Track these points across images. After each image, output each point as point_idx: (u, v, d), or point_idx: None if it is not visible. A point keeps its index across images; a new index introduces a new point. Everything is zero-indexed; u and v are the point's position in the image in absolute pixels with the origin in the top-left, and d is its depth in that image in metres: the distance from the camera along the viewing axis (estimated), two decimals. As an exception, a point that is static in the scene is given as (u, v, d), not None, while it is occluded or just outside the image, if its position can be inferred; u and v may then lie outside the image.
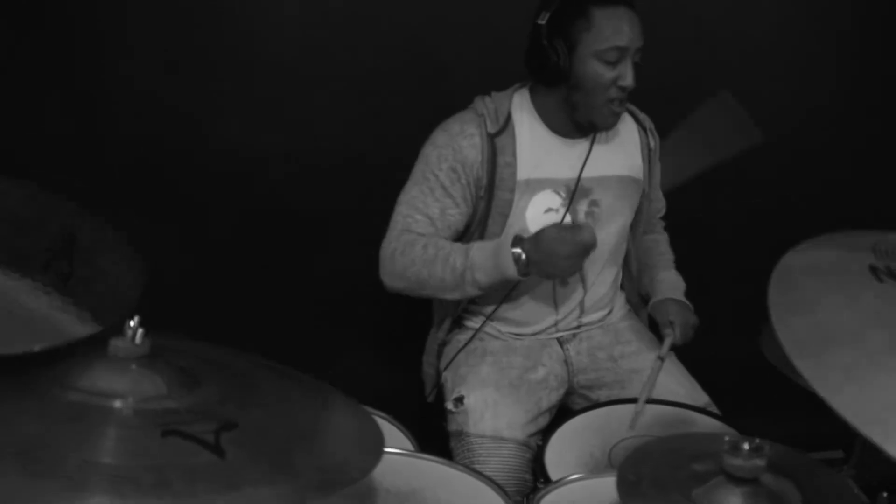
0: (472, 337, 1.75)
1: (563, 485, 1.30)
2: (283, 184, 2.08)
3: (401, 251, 1.58)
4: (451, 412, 1.65)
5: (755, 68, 2.18)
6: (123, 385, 0.89)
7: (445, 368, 1.76)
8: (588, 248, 1.46)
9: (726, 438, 0.92)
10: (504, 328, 1.75)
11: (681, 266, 1.86)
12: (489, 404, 1.61)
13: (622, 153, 1.71)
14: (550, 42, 1.55)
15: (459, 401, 1.64)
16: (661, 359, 1.64)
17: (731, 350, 1.86)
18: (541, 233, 1.49)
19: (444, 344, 1.81)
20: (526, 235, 1.52)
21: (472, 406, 1.61)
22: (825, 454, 1.97)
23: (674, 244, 1.91)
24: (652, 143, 1.75)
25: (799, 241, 1.01)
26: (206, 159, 2.02)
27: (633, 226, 1.79)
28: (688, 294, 1.79)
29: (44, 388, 0.87)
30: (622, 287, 1.86)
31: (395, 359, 2.09)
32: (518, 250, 1.48)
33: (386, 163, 1.81)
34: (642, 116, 1.77)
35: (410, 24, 2.02)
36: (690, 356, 1.76)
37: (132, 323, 0.92)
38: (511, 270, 1.49)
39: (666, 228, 1.94)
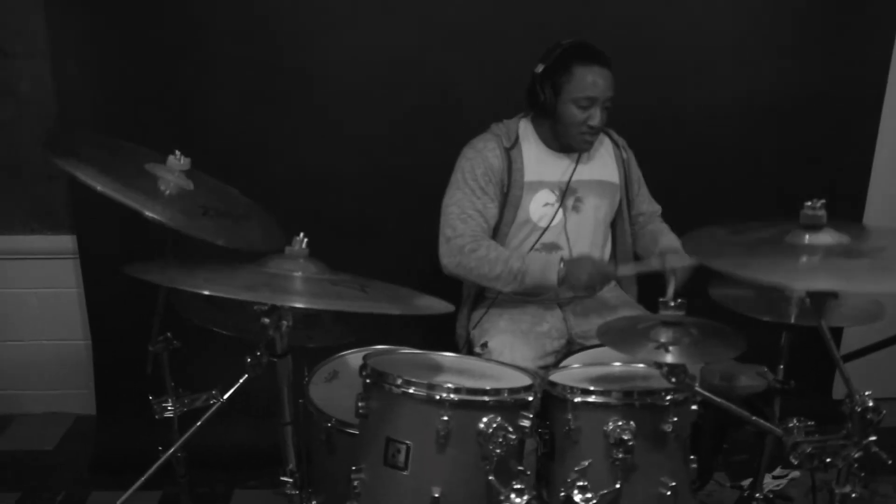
0: (492, 303, 2.33)
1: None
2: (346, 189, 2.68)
3: (470, 248, 2.14)
4: (478, 354, 2.21)
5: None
6: (297, 266, 1.50)
7: (474, 328, 2.34)
8: (606, 276, 2.11)
9: (660, 300, 1.52)
10: (516, 295, 2.33)
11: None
12: (507, 345, 2.16)
13: (600, 164, 2.32)
14: (542, 87, 2.17)
15: (485, 345, 2.20)
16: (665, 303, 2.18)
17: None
18: (579, 257, 2.14)
19: (471, 311, 2.38)
20: (531, 230, 2.17)
21: (495, 347, 2.17)
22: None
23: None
24: (624, 156, 2.36)
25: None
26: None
27: (618, 220, 2.36)
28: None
29: (253, 268, 1.48)
30: None
31: (433, 326, 2.64)
32: (561, 266, 2.09)
33: (417, 173, 2.45)
34: (616, 137, 2.38)
35: (437, 65, 2.63)
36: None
37: (299, 237, 1.54)
38: (553, 280, 2.09)
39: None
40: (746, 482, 2.65)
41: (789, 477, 2.70)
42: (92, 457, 2.77)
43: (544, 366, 2.17)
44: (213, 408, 1.96)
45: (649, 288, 2.43)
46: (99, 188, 1.46)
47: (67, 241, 2.81)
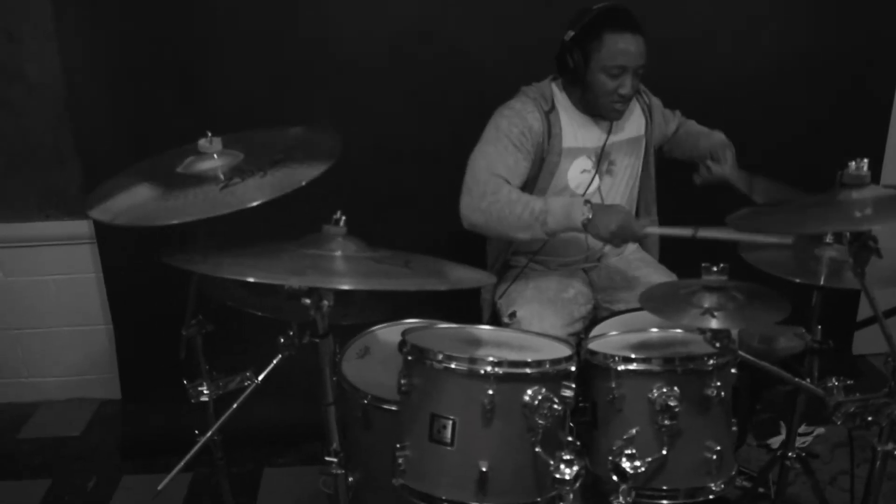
0: (520, 273, 2.32)
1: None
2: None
3: (491, 191, 2.06)
4: (507, 324, 2.21)
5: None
6: (338, 245, 1.48)
7: (500, 297, 2.33)
8: (632, 231, 1.99)
9: (703, 265, 1.52)
10: (542, 257, 2.32)
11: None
12: (535, 313, 2.15)
13: (629, 120, 2.28)
14: (571, 55, 2.11)
15: (513, 315, 2.18)
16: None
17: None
18: (612, 206, 2.08)
19: (497, 282, 2.37)
20: (571, 193, 2.14)
21: (523, 316, 2.15)
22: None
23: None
24: (646, 100, 2.33)
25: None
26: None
27: (642, 170, 2.34)
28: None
29: (294, 248, 1.46)
30: None
31: (458, 293, 2.64)
32: (587, 206, 2.00)
33: (436, 146, 2.45)
34: (640, 87, 2.31)
35: (455, 35, 2.60)
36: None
37: (337, 216, 1.52)
38: (577, 221, 1.99)
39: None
40: (772, 440, 2.68)
41: (814, 434, 2.72)
42: (121, 441, 2.78)
43: (573, 332, 2.16)
44: (249, 389, 1.97)
45: (671, 250, 2.46)
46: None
47: (84, 226, 2.79)
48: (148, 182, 1.64)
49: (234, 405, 1.95)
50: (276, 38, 2.55)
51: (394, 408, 1.80)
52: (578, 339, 2.05)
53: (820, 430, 2.72)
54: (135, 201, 1.60)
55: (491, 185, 2.06)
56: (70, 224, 2.80)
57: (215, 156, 1.64)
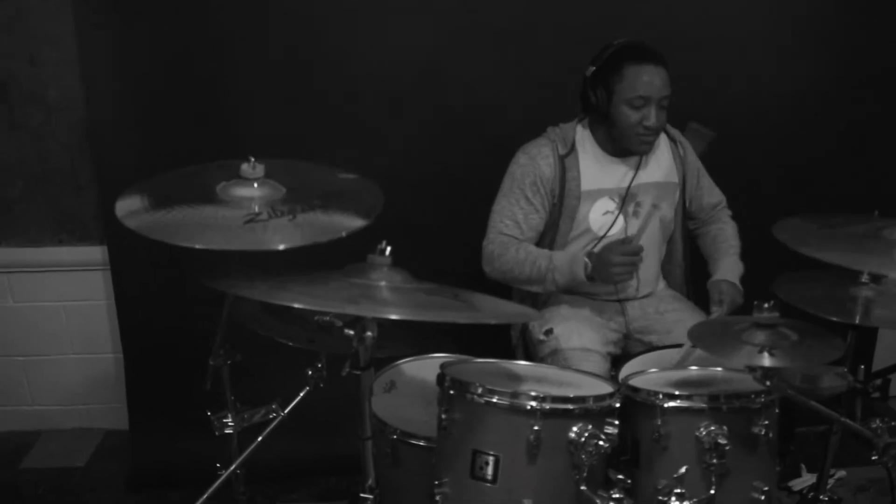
0: (548, 298, 2.25)
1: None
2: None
3: (498, 253, 2.11)
4: (543, 341, 2.14)
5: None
6: (383, 276, 1.45)
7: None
8: (635, 253, 1.98)
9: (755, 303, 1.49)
10: (572, 295, 2.27)
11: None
12: (573, 330, 2.11)
13: (658, 164, 2.25)
14: (594, 90, 2.11)
15: (549, 332, 2.13)
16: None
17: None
18: (601, 250, 2.04)
19: (530, 305, 2.28)
20: (591, 240, 2.12)
21: (561, 332, 2.11)
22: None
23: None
24: (681, 152, 2.30)
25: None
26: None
27: (680, 218, 2.30)
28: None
29: (340, 277, 1.43)
30: (663, 269, 2.37)
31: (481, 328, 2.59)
32: (586, 260, 2.02)
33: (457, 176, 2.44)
34: (673, 131, 2.31)
35: (473, 68, 2.57)
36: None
37: (382, 245, 1.49)
38: (580, 275, 2.02)
39: (733, 218, 2.41)
40: (793, 482, 2.64)
41: (836, 476, 2.68)
42: (128, 472, 2.70)
43: (609, 353, 2.15)
44: (275, 422, 1.93)
45: (697, 287, 2.45)
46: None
47: (97, 252, 2.74)
48: (184, 203, 1.61)
49: (259, 438, 1.91)
50: (299, 63, 2.54)
51: (422, 443, 1.77)
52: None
53: (842, 473, 2.68)
54: (164, 217, 1.56)
55: (498, 246, 2.13)
56: (83, 250, 2.75)
57: (255, 184, 1.62)
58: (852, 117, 2.78)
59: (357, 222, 1.51)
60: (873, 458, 1.64)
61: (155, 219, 1.55)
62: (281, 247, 1.42)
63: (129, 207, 1.57)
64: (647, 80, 2.04)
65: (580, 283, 2.05)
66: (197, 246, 1.43)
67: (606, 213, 2.18)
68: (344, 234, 1.49)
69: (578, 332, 2.09)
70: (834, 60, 2.72)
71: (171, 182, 1.70)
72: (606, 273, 2.00)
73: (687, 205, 2.34)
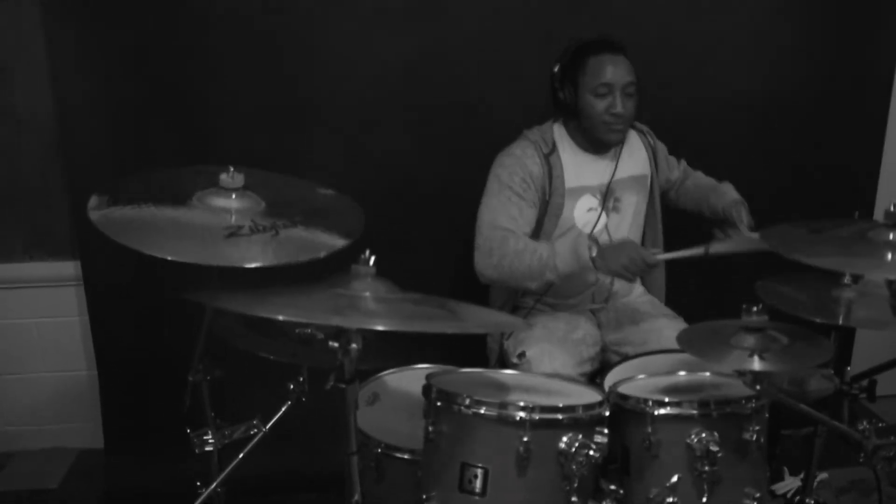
0: (528, 313, 2.27)
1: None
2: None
3: (497, 245, 2.07)
4: (517, 364, 2.13)
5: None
6: (368, 286, 1.42)
7: (507, 338, 2.27)
8: (643, 260, 1.97)
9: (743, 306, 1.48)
10: (550, 300, 2.27)
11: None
12: (545, 353, 2.08)
13: (633, 159, 2.28)
14: (561, 87, 2.15)
15: (522, 355, 2.11)
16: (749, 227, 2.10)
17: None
18: (621, 241, 2.09)
19: (504, 323, 2.32)
20: (576, 232, 2.11)
21: (533, 356, 2.08)
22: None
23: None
24: (651, 142, 2.35)
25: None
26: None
27: (648, 208, 2.33)
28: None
29: (324, 288, 1.40)
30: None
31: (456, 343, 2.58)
32: (591, 241, 1.99)
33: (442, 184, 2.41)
34: (639, 125, 2.34)
35: (458, 72, 2.57)
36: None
37: (366, 255, 1.46)
38: (585, 257, 1.98)
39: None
40: (775, 486, 2.64)
41: (818, 479, 2.68)
42: (103, 494, 2.63)
43: (583, 373, 2.12)
44: (256, 438, 1.88)
45: (676, 290, 2.45)
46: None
47: (69, 268, 2.67)
48: (155, 203, 1.57)
49: (241, 455, 1.86)
50: (277, 75, 2.51)
51: (407, 456, 1.74)
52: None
53: (823, 476, 2.69)
54: (135, 217, 1.53)
55: (496, 240, 2.08)
56: (55, 265, 2.69)
57: (233, 195, 1.58)
58: (829, 121, 2.81)
59: (338, 241, 1.51)
60: (861, 460, 1.64)
61: (123, 213, 1.52)
62: (258, 264, 1.40)
63: (97, 204, 1.55)
64: (609, 67, 2.09)
65: (583, 264, 1.99)
66: (169, 257, 1.40)
67: (590, 209, 2.20)
68: (322, 254, 1.48)
69: (550, 356, 2.06)
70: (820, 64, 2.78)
71: (145, 181, 1.67)
72: (615, 262, 1.97)
73: (662, 191, 2.39)
